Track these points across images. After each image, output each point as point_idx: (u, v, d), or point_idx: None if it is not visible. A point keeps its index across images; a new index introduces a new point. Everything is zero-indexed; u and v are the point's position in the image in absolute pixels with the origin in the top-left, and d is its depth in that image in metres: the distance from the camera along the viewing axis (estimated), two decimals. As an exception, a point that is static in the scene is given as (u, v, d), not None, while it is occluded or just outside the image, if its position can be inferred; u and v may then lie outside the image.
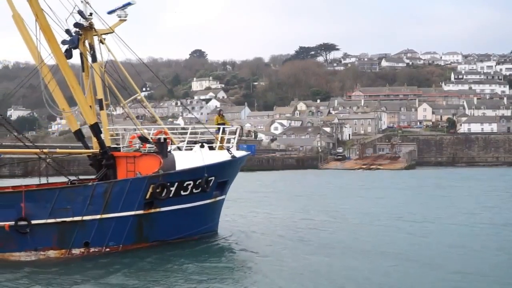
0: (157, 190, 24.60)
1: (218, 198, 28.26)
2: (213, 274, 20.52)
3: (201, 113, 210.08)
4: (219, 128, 28.36)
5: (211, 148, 27.59)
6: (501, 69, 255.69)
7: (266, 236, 28.62)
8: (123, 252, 23.84)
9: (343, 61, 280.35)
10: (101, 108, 28.52)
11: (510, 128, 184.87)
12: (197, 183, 25.97)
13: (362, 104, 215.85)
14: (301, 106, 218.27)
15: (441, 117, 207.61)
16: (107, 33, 28.92)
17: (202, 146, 27.01)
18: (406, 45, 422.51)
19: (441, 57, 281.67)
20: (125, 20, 29.32)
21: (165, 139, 26.43)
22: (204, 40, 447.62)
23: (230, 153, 27.65)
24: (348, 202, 46.63)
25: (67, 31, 27.45)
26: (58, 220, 23.33)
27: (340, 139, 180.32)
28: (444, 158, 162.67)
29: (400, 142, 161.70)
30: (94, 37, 28.35)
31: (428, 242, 26.10)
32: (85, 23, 27.80)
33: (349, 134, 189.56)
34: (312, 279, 19.23)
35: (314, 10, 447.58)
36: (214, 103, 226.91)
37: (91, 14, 28.04)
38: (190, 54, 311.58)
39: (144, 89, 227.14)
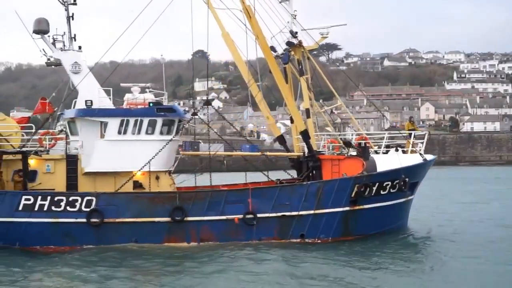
0: (361, 190, 27.78)
1: (409, 198, 31.34)
2: (406, 266, 23.24)
3: (204, 114, 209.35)
4: (410, 134, 31.23)
5: (403, 152, 30.57)
6: (503, 68, 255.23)
7: (449, 232, 31.35)
8: (332, 243, 27.09)
9: (345, 61, 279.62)
10: (308, 116, 32.83)
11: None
12: (394, 183, 28.96)
13: (365, 104, 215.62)
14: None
15: (443, 116, 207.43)
16: (312, 49, 33.01)
17: (396, 150, 30.34)
18: (408, 44, 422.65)
19: (443, 56, 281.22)
20: (326, 37, 33.51)
21: (365, 143, 29.94)
22: (205, 41, 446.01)
23: (422, 157, 30.39)
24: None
25: (271, 48, 31.64)
26: (279, 214, 26.96)
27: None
28: (447, 157, 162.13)
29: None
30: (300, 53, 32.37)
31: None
32: (295, 41, 31.94)
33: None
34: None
35: (315, 10, 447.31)
36: (216, 104, 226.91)
37: (296, 32, 31.81)
38: (192, 55, 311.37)
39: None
